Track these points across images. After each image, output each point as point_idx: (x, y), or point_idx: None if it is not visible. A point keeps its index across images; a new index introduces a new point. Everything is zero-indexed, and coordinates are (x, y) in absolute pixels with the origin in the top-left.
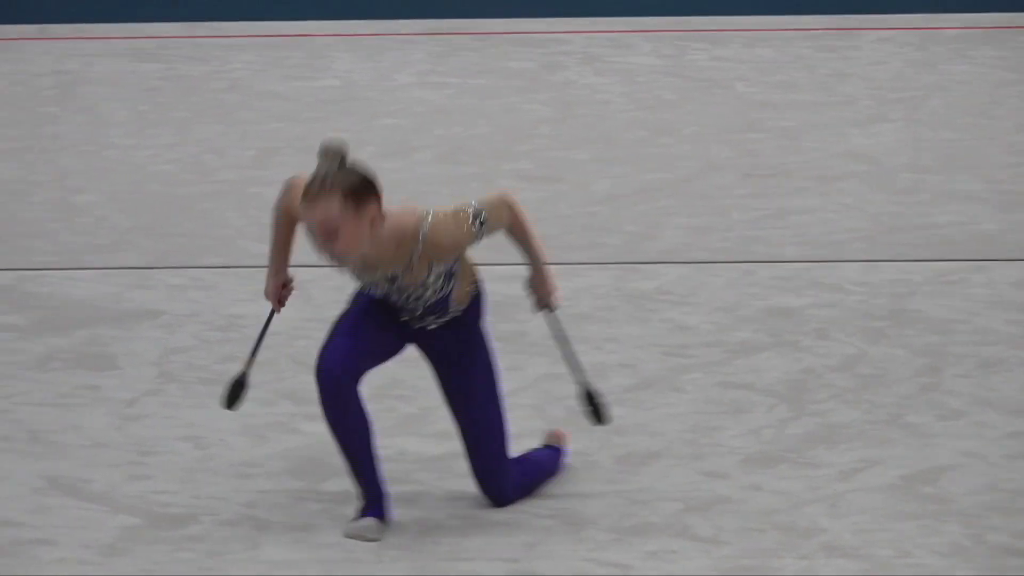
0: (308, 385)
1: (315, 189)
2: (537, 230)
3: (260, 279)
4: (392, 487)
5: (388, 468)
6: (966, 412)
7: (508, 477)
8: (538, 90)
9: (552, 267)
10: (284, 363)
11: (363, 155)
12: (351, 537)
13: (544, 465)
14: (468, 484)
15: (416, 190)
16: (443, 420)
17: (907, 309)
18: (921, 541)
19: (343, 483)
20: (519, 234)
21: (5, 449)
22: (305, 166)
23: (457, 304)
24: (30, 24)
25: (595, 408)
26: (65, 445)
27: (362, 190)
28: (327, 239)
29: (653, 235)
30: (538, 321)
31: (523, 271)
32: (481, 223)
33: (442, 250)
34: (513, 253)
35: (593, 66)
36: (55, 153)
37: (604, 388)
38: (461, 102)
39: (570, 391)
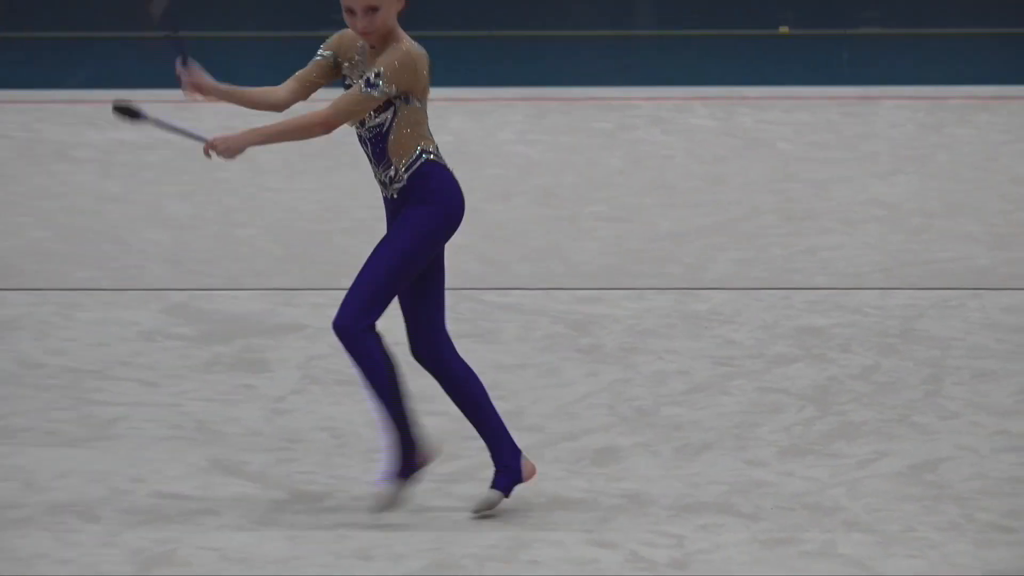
0: (425, 386)
1: None
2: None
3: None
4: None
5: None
6: (962, 413)
7: (348, 308)
8: (614, 146)
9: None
10: (405, 367)
11: (473, 199)
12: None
13: (393, 415)
14: (551, 468)
15: (515, 228)
16: (534, 416)
17: (915, 329)
18: (924, 519)
19: (452, 465)
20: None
21: (177, 437)
22: None
23: (400, 160)
24: None
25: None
26: (226, 433)
27: None
28: (368, 12)
29: (706, 266)
30: (613, 335)
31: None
32: (369, 80)
33: (383, 55)
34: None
35: (659, 127)
36: (220, 194)
37: (665, 391)
38: (552, 156)
39: (637, 393)
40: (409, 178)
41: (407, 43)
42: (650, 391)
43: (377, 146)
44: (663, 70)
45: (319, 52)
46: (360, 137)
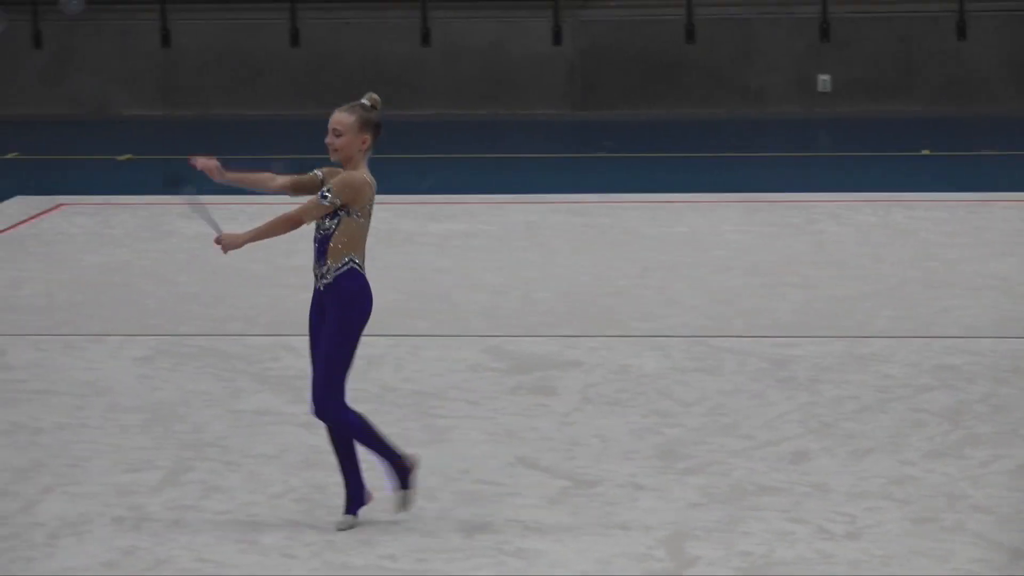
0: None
1: (349, 106)
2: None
3: (642, 346)
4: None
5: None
6: None
7: (317, 397)
8: (802, 235)
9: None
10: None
11: (700, 274)
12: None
13: (383, 453)
14: (759, 465)
15: (732, 293)
16: (747, 427)
17: (1021, 366)
18: None
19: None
20: (281, 219)
21: (493, 441)
22: (679, 269)
23: (331, 263)
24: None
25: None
26: (527, 439)
27: (369, 124)
28: (334, 135)
29: (870, 321)
30: (803, 369)
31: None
32: (323, 194)
33: (338, 177)
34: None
35: (835, 221)
36: (523, 269)
37: (841, 410)
38: (758, 241)
39: (820, 412)
40: (335, 278)
41: (361, 171)
42: (830, 410)
43: (321, 246)
44: (837, 179)
45: (315, 170)
46: (314, 237)
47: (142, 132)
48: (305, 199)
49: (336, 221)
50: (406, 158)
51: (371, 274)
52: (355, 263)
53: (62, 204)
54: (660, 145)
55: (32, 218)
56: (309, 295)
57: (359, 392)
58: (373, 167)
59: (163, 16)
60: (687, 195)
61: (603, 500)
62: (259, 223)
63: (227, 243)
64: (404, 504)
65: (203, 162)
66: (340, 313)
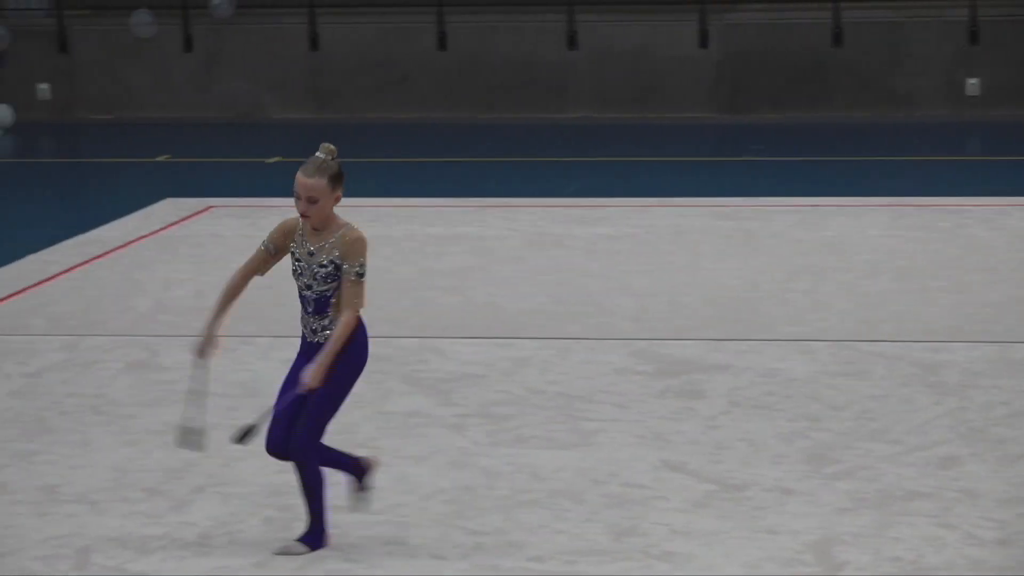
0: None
1: (314, 168)
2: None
3: (789, 350)
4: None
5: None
6: None
7: (304, 438)
8: (951, 240)
9: None
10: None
11: (848, 278)
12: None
13: (341, 464)
14: (907, 471)
15: (880, 297)
16: (896, 432)
17: None
18: None
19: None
20: (345, 327)
21: (640, 444)
22: (827, 272)
23: (333, 315)
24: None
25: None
26: (673, 442)
27: (338, 178)
28: (309, 203)
29: (1022, 328)
30: (953, 374)
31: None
32: (358, 273)
33: (344, 246)
34: (934, 334)
35: (985, 226)
36: (670, 273)
37: (991, 415)
38: (907, 246)
39: (970, 416)
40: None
41: (355, 228)
42: (980, 415)
43: (320, 305)
44: (987, 183)
45: (264, 244)
46: (304, 297)
47: (291, 135)
48: (264, 272)
49: (336, 284)
50: (553, 161)
51: (519, 276)
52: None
53: (212, 206)
54: (806, 149)
55: (183, 220)
56: (456, 299)
57: (504, 394)
58: (523, 172)
59: (312, 19)
60: (834, 199)
61: (751, 504)
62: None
63: (317, 378)
64: (361, 503)
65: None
66: (342, 365)
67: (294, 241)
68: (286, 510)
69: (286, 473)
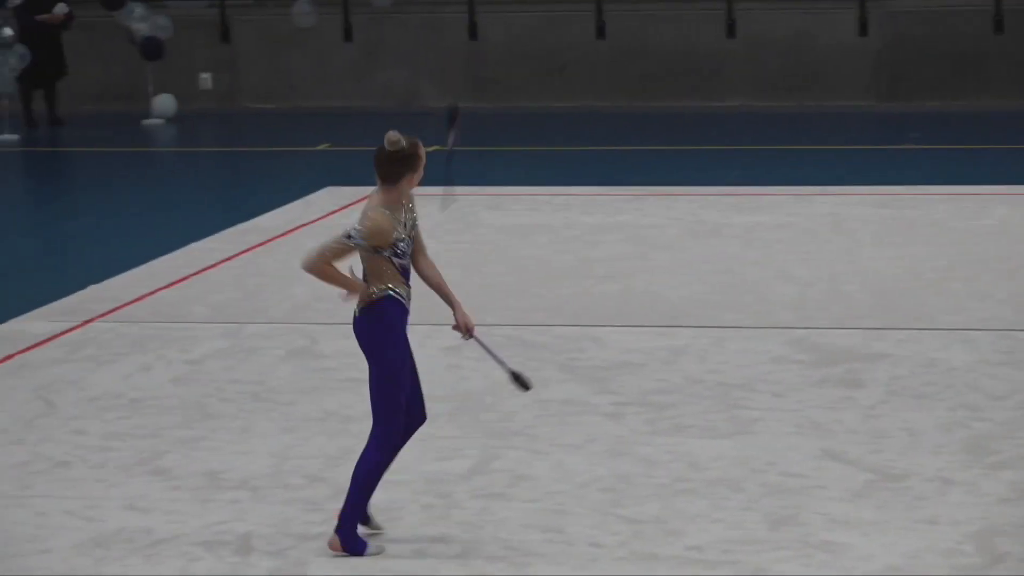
0: None
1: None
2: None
3: (950, 339)
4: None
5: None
6: None
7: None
8: None
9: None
10: None
11: (1009, 267)
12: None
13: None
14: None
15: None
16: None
17: None
18: None
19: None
20: (441, 287)
21: (798, 433)
22: (988, 261)
23: (367, 290)
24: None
25: (520, 382)
26: (831, 430)
27: None
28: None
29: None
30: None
31: None
32: (349, 236)
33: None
34: None
35: None
36: (830, 262)
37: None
38: None
39: None
40: (365, 309)
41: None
42: None
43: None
44: None
45: (355, 240)
46: (403, 267)
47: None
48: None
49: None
50: (711, 149)
51: (677, 264)
52: (386, 295)
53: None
54: (966, 136)
55: (342, 208)
56: (614, 287)
57: (663, 383)
58: (681, 160)
59: (471, 9)
60: (994, 187)
61: (911, 494)
62: None
63: (470, 325)
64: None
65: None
66: (372, 344)
67: (397, 229)
68: (445, 497)
69: (445, 461)
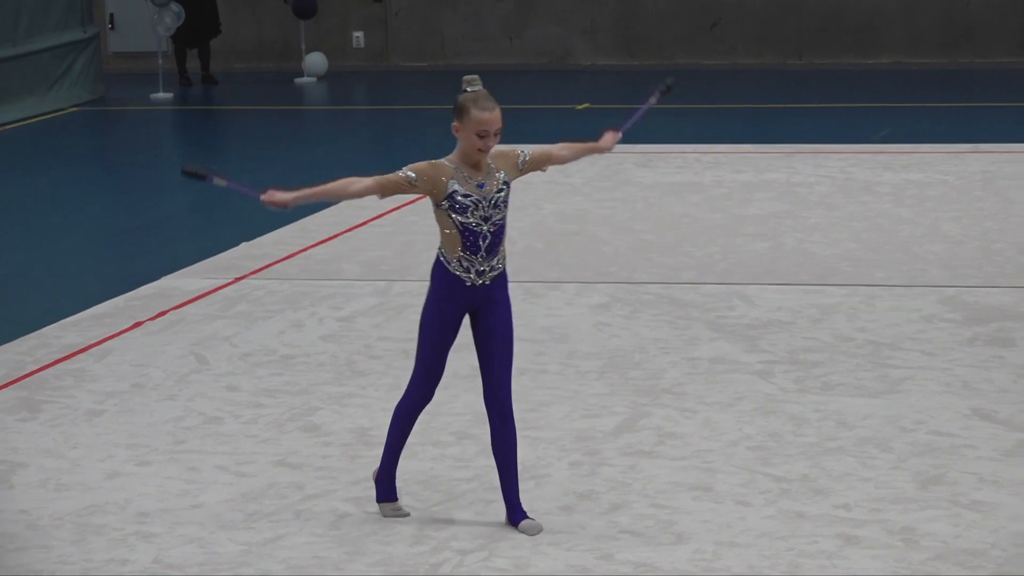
0: None
1: (493, 101)
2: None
3: None
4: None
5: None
6: None
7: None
8: None
9: None
10: None
11: None
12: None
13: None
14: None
15: None
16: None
17: None
18: None
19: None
20: (571, 151)
21: (948, 392)
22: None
23: (503, 251)
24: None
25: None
26: (982, 390)
27: None
28: (496, 136)
29: None
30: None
31: None
32: (524, 160)
33: (500, 161)
34: None
35: None
36: (982, 219)
37: None
38: None
39: None
40: (503, 264)
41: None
42: None
43: (496, 239)
44: None
45: (405, 172)
46: (479, 234)
47: (601, 82)
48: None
49: (507, 210)
50: (863, 107)
51: (828, 222)
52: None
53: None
54: None
55: None
56: (764, 245)
57: (812, 341)
58: (832, 117)
59: None
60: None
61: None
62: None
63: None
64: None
65: (269, 199)
66: (508, 302)
67: (455, 180)
68: (593, 454)
69: (594, 418)
